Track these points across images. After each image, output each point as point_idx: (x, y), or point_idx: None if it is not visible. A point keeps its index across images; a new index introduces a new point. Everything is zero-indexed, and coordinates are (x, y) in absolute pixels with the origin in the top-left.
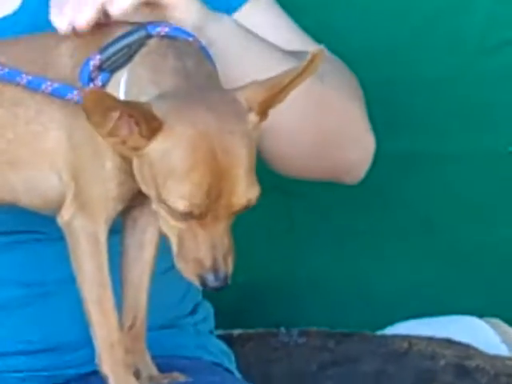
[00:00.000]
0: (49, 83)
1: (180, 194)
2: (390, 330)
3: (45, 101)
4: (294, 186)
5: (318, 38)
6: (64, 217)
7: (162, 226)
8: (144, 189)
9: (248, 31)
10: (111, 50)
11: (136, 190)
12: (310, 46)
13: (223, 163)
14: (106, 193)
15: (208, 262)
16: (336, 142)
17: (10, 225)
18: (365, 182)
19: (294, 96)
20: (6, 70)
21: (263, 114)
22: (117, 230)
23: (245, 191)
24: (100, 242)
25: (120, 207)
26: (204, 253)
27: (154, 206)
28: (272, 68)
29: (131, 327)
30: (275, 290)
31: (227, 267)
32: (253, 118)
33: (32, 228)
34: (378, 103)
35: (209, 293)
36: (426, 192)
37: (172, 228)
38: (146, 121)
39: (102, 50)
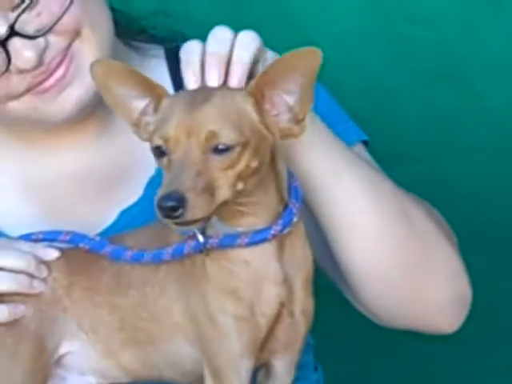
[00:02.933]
0: (148, 253)
1: (156, 133)
2: None
3: (166, 277)
4: None
5: None
6: None
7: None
8: None
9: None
10: None
11: (257, 340)
12: None
13: (199, 107)
14: (231, 353)
15: (167, 185)
16: (427, 263)
17: None
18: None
19: (379, 195)
20: (113, 247)
21: (259, 93)
22: None
23: (210, 125)
24: None
25: (249, 365)
26: (167, 178)
27: None
28: (370, 182)
29: None
30: None
31: (190, 197)
32: (244, 95)
33: None
34: (495, 243)
35: None
36: None
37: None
38: (155, 88)
39: None
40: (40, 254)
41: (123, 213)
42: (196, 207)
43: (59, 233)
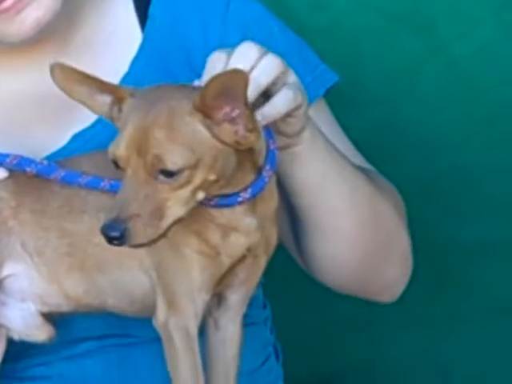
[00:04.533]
0: (106, 181)
1: (111, 146)
2: None
3: None
4: None
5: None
6: (159, 318)
7: None
8: None
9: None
10: None
11: (218, 275)
12: (360, 160)
13: (148, 127)
14: (193, 284)
15: (112, 210)
16: (386, 253)
17: (101, 329)
18: (442, 270)
19: (358, 200)
20: (65, 172)
21: (206, 107)
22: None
23: (155, 149)
24: (191, 337)
25: (206, 297)
26: (114, 201)
27: None
28: (348, 178)
29: None
30: (356, 380)
31: (133, 226)
32: (192, 112)
33: (122, 331)
34: (452, 191)
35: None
36: (504, 278)
37: None
38: (115, 92)
39: None
40: None
41: (76, 136)
42: (140, 234)
43: (6, 156)
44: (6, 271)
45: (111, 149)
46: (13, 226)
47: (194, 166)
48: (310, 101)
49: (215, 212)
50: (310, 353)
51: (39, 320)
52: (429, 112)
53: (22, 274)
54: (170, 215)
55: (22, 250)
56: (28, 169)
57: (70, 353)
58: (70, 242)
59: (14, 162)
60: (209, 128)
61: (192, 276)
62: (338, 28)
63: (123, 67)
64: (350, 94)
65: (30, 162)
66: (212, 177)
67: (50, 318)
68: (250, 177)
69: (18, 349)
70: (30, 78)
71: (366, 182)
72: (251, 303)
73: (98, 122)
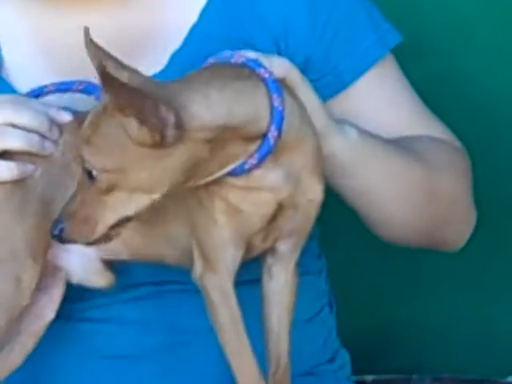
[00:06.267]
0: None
1: None
2: None
3: None
4: None
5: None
6: (196, 272)
7: None
8: None
9: (372, 138)
10: None
11: (247, 231)
12: (432, 126)
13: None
14: (219, 239)
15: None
16: (443, 223)
17: (160, 275)
18: (499, 226)
19: (410, 190)
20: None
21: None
22: (258, 279)
23: (80, 150)
24: (226, 292)
25: (238, 253)
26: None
27: None
28: (397, 175)
29: (275, 373)
30: (406, 336)
31: (68, 225)
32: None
33: (180, 278)
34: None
35: (345, 340)
36: None
37: None
38: None
39: None
40: (52, 113)
41: None
42: (74, 233)
43: (73, 82)
44: None
45: None
46: (76, 170)
47: (118, 171)
48: (375, 59)
49: (230, 178)
50: (363, 305)
51: (99, 266)
52: (487, 64)
53: None
54: (106, 218)
55: None
56: (94, 96)
57: (128, 296)
58: None
59: (81, 87)
60: (127, 130)
61: (217, 231)
62: None
63: (192, 18)
64: (409, 47)
65: (96, 88)
66: (144, 177)
67: (111, 264)
68: (252, 145)
69: (77, 290)
70: (97, 22)
71: (420, 170)
72: (305, 252)
73: (164, 71)
